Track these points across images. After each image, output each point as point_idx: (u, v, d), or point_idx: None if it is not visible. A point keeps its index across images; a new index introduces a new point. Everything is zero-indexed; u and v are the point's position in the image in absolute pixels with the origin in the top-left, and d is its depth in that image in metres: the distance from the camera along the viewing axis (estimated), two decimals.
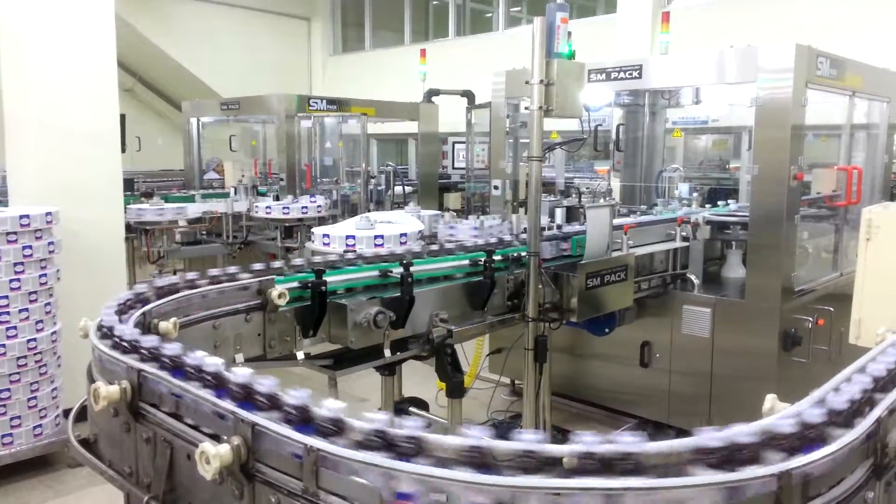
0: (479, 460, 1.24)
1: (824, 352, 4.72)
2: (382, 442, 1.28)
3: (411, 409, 4.49)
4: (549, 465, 1.23)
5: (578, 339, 5.09)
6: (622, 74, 4.97)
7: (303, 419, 1.41)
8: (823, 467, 1.27)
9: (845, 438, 1.33)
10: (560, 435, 4.60)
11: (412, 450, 1.26)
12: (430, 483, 1.18)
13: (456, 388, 3.55)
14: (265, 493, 1.45)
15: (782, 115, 4.30)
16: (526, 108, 3.63)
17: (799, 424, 1.33)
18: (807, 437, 1.32)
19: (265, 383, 1.52)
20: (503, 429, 4.95)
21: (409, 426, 1.31)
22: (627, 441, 1.25)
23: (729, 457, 1.25)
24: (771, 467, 1.22)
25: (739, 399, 4.50)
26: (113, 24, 5.18)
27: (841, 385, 1.56)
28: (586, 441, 1.25)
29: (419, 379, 4.79)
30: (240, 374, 1.59)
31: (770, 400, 1.58)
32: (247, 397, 1.53)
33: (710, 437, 1.25)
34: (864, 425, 1.39)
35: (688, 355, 4.74)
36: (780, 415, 1.41)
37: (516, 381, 5.75)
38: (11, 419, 4.33)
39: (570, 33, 3.52)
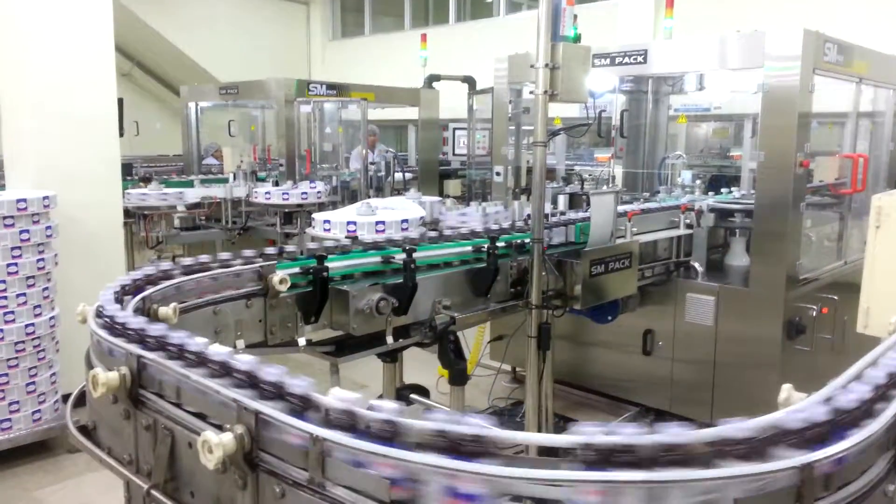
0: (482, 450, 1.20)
1: (828, 340, 4.71)
2: (393, 432, 1.24)
3: (412, 396, 4.47)
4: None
5: (581, 326, 5.06)
6: (627, 59, 4.91)
7: (308, 407, 1.38)
8: (845, 460, 1.23)
9: (867, 430, 1.29)
10: (563, 423, 4.58)
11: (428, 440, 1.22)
12: (445, 475, 1.15)
13: (459, 376, 3.53)
14: (269, 483, 1.41)
15: (789, 101, 4.26)
16: (531, 93, 3.57)
17: (818, 416, 1.29)
18: (827, 429, 1.28)
19: (269, 370, 1.48)
20: (505, 416, 4.94)
21: (418, 415, 1.27)
22: (640, 432, 1.21)
23: (748, 449, 1.21)
24: (792, 460, 1.18)
25: (743, 387, 4.49)
26: (111, 8, 5.12)
27: (860, 375, 1.52)
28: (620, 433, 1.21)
29: (419, 365, 4.75)
30: (242, 360, 1.55)
31: (786, 390, 1.54)
32: (250, 384, 1.49)
33: (730, 427, 1.21)
34: (885, 416, 1.35)
35: (691, 343, 4.72)
36: (797, 406, 1.38)
37: (517, 369, 5.73)
38: (10, 404, 4.31)
39: (575, 16, 3.46)
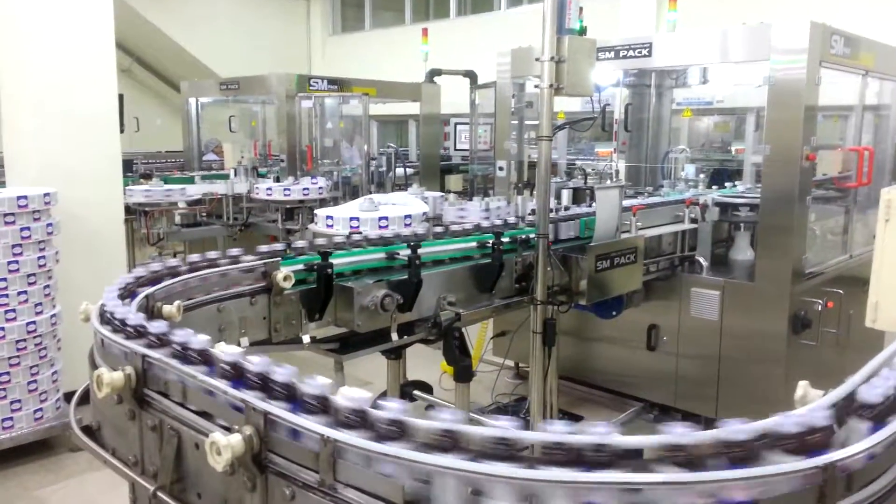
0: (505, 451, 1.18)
1: (833, 335, 4.68)
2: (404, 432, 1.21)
3: (416, 392, 4.45)
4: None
5: (584, 321, 5.03)
6: (632, 53, 4.87)
7: (319, 407, 1.35)
8: (868, 459, 1.21)
9: (889, 428, 1.26)
10: (568, 419, 4.56)
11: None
12: (455, 476, 1.12)
13: (464, 372, 3.51)
14: (279, 485, 1.38)
15: (795, 94, 4.22)
16: (536, 87, 3.54)
17: (839, 414, 1.27)
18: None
19: (278, 370, 1.45)
20: (509, 412, 4.91)
21: (431, 416, 1.24)
22: (665, 432, 1.19)
23: (769, 448, 1.18)
24: (814, 459, 1.16)
25: (748, 382, 4.46)
26: (111, 6, 5.08)
27: (880, 371, 1.49)
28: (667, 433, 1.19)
29: (423, 362, 4.73)
30: (250, 359, 1.53)
31: (802, 387, 1.51)
32: (259, 384, 1.46)
33: (750, 428, 1.19)
34: None
35: (696, 338, 4.69)
36: (816, 404, 1.35)
37: (521, 365, 5.71)
38: (12, 403, 4.28)
39: (581, 9, 3.43)
